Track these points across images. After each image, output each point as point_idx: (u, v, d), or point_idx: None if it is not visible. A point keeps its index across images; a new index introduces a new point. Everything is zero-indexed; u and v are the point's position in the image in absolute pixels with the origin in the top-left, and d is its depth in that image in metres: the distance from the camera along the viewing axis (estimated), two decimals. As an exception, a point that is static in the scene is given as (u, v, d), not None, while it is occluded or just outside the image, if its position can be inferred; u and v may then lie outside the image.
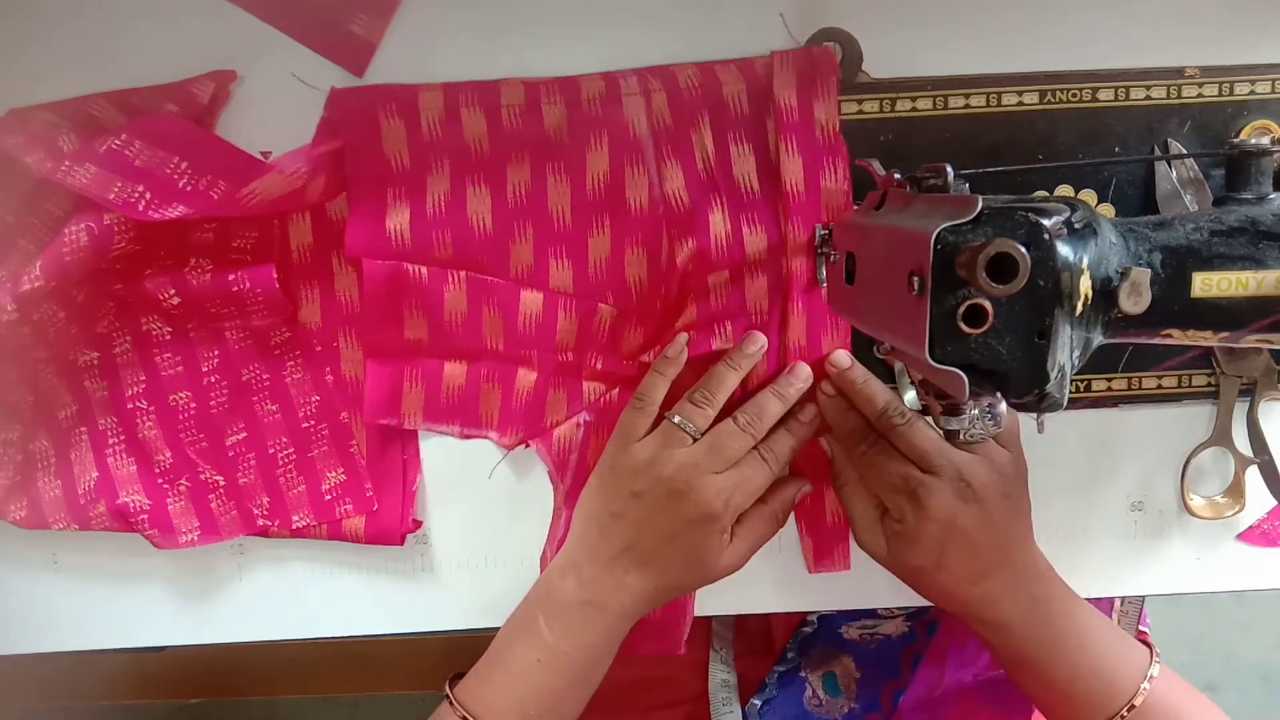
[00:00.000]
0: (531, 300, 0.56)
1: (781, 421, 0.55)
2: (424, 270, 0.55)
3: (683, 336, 0.56)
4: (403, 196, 0.55)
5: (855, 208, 0.55)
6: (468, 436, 0.58)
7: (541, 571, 0.59)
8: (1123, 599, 0.69)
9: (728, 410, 0.55)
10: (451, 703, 0.54)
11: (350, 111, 0.54)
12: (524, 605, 0.56)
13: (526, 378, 0.57)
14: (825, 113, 0.54)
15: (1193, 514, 0.59)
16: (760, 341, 0.55)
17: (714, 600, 0.61)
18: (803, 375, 0.56)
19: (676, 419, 0.54)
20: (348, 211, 0.55)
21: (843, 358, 0.55)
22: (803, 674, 0.68)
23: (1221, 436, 0.58)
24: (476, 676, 0.55)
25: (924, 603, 0.57)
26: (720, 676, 0.73)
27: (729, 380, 0.55)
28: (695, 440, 0.53)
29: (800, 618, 0.72)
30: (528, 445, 0.58)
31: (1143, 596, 0.69)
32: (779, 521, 0.57)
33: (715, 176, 0.55)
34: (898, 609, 0.70)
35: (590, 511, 0.55)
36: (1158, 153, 0.56)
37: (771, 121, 0.54)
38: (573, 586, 0.54)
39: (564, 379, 0.58)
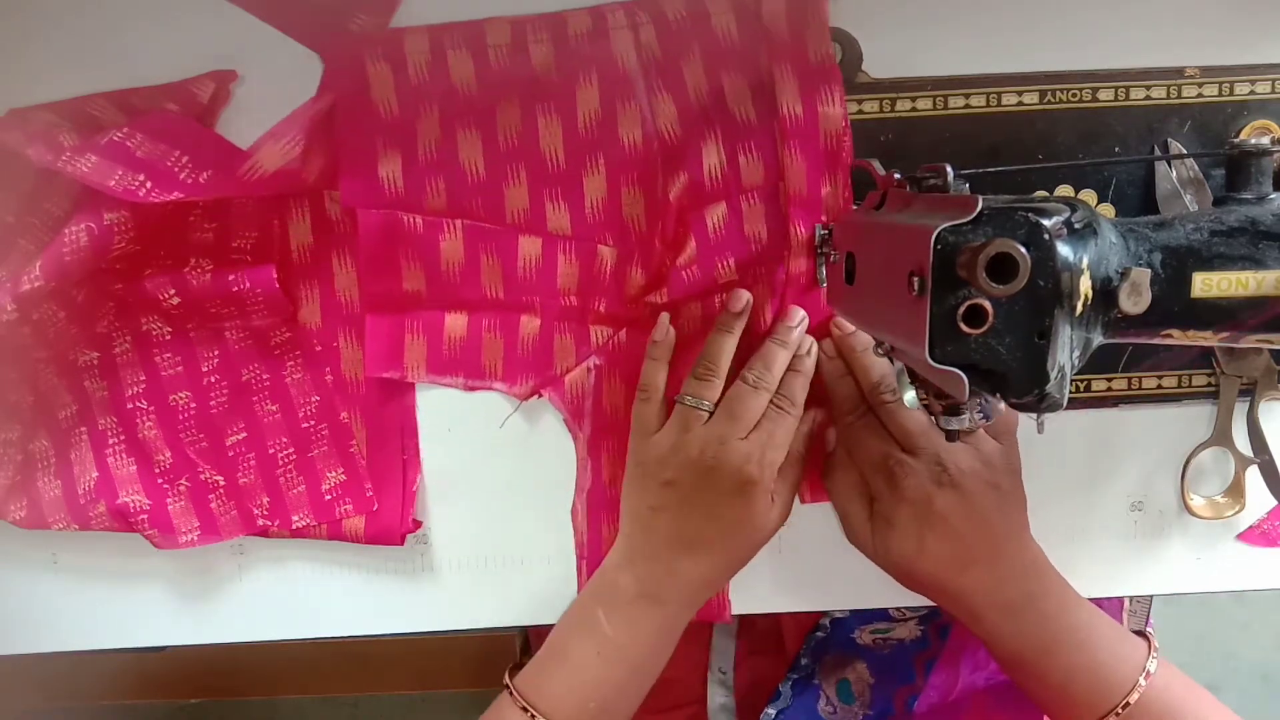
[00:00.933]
0: (530, 245, 0.55)
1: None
2: (419, 220, 0.54)
3: (664, 316, 0.56)
4: (393, 144, 0.54)
5: (855, 208, 0.55)
6: (473, 388, 0.58)
7: (573, 526, 0.59)
8: (1131, 599, 0.69)
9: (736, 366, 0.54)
10: (512, 693, 0.54)
11: (338, 61, 0.54)
12: (581, 600, 0.56)
13: (530, 325, 0.57)
14: (817, 39, 0.53)
15: (1193, 514, 0.59)
16: (745, 298, 0.55)
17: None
18: (798, 317, 0.55)
19: (688, 399, 0.54)
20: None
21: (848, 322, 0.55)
22: (816, 681, 0.68)
23: (1221, 436, 0.58)
24: (535, 668, 0.55)
25: (927, 602, 0.57)
26: (719, 700, 0.72)
27: (726, 345, 0.55)
28: (710, 414, 0.53)
29: (811, 619, 0.72)
30: (540, 395, 0.58)
31: (1150, 597, 0.69)
32: (804, 458, 0.57)
33: (709, 107, 0.54)
34: (909, 611, 0.70)
35: (631, 510, 0.56)
36: (1157, 153, 0.56)
37: (764, 50, 0.53)
38: (629, 580, 0.54)
39: (569, 324, 0.57)
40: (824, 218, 0.55)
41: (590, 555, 0.59)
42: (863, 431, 0.54)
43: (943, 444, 0.52)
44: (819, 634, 0.70)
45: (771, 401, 0.54)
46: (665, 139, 0.54)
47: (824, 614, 0.71)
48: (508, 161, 0.55)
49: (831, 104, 0.54)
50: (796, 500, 0.58)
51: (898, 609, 0.70)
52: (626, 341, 0.57)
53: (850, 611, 0.70)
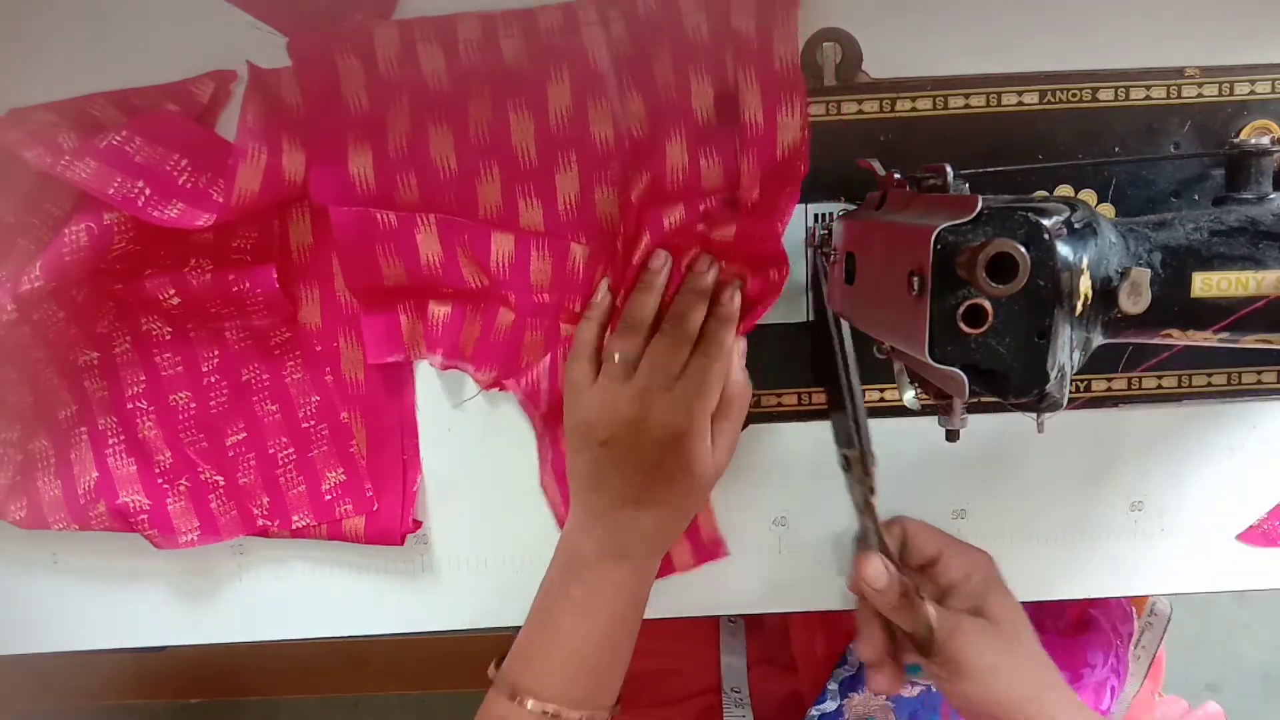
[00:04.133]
0: (503, 241, 0.55)
1: (711, 309, 0.55)
2: (392, 216, 0.54)
3: (605, 281, 0.56)
4: (364, 138, 0.54)
5: (855, 207, 0.55)
6: (448, 368, 0.58)
7: (547, 499, 0.60)
8: (1151, 609, 0.69)
9: None
10: (496, 683, 0.54)
11: (308, 55, 0.53)
12: (549, 575, 0.56)
13: (506, 316, 0.57)
14: (784, 44, 0.53)
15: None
16: (663, 256, 0.55)
17: (714, 601, 0.61)
18: (706, 263, 0.55)
19: (615, 356, 0.53)
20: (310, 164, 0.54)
21: (876, 574, 0.54)
22: (844, 718, 0.68)
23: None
24: (516, 652, 0.55)
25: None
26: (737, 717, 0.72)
27: (647, 300, 0.54)
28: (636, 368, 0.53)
29: (820, 637, 0.71)
30: (503, 388, 0.58)
31: (1169, 614, 0.69)
32: (746, 394, 0.55)
33: (675, 107, 0.54)
34: None
35: (576, 473, 0.55)
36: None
37: (730, 52, 0.53)
38: (589, 544, 0.54)
39: (541, 320, 0.57)
40: (780, 226, 0.55)
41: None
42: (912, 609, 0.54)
43: (954, 578, 0.56)
44: (846, 671, 0.70)
45: (698, 350, 0.53)
46: (634, 136, 0.54)
47: (848, 649, 0.71)
48: (480, 157, 0.55)
49: (792, 114, 0.54)
50: (794, 500, 0.58)
51: None
52: None
53: None
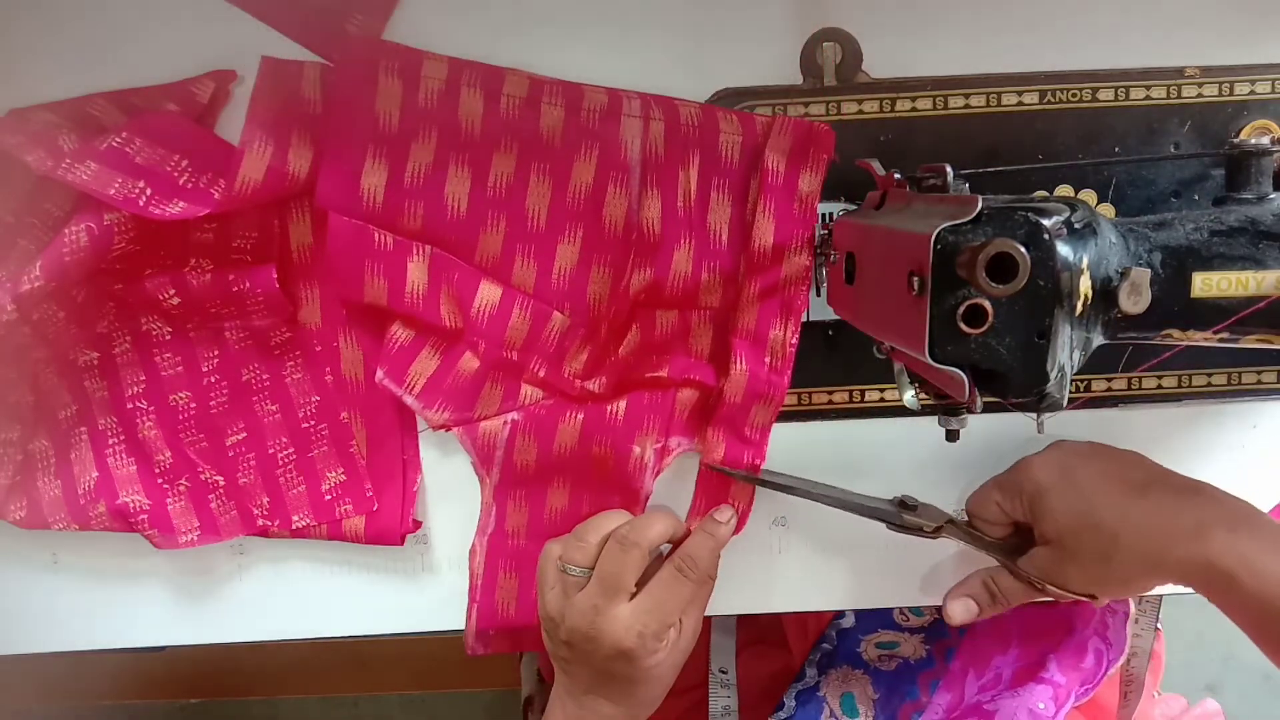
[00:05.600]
0: (489, 291, 0.55)
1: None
2: (389, 238, 0.54)
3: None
4: (383, 157, 0.54)
5: (855, 207, 0.55)
6: (385, 388, 0.57)
7: (470, 567, 0.60)
8: (1140, 598, 0.69)
9: None
10: None
11: (354, 57, 0.53)
12: None
13: (469, 362, 0.57)
14: (808, 186, 0.54)
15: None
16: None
17: (713, 601, 0.61)
18: (726, 514, 0.56)
19: (569, 568, 0.54)
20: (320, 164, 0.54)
21: (964, 612, 0.58)
22: (821, 693, 0.68)
23: None
24: None
25: (929, 603, 0.57)
26: (721, 702, 0.72)
27: (610, 518, 0.55)
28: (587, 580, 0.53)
29: (812, 615, 0.72)
30: (450, 429, 0.58)
31: (1159, 597, 0.69)
32: (701, 584, 0.55)
33: (691, 217, 0.55)
34: (912, 615, 0.70)
35: (552, 658, 0.56)
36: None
37: (756, 181, 0.54)
38: (562, 718, 0.56)
39: (504, 375, 0.57)
40: (766, 358, 0.56)
41: (483, 600, 0.60)
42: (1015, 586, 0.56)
43: (1028, 487, 0.55)
44: (825, 645, 0.70)
45: (674, 561, 0.54)
46: (643, 231, 0.55)
47: (830, 624, 0.71)
48: (491, 208, 0.55)
49: (799, 253, 0.55)
50: (795, 499, 0.58)
51: (902, 614, 0.70)
52: (550, 409, 0.58)
53: (856, 620, 0.70)
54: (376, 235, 0.54)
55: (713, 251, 0.55)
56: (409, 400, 0.57)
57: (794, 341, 0.56)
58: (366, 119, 0.54)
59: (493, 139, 0.54)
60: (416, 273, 0.55)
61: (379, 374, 0.57)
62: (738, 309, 0.56)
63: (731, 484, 0.58)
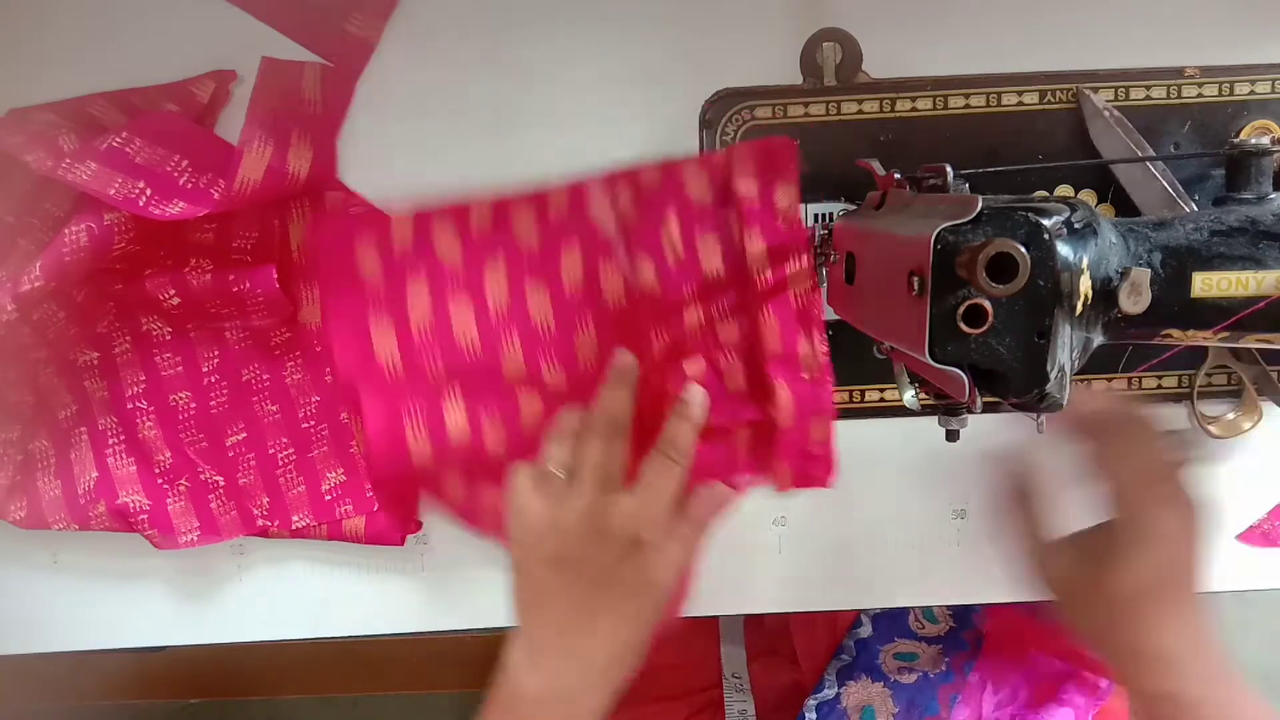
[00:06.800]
0: (530, 404, 0.55)
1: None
2: (420, 402, 0.54)
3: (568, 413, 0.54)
4: (386, 321, 0.54)
5: (855, 207, 0.55)
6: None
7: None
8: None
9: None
10: None
11: (325, 244, 0.54)
12: (489, 714, 0.51)
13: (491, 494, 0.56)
14: (786, 198, 0.53)
15: (1213, 437, 0.57)
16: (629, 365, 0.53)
17: (714, 601, 0.61)
18: (625, 361, 0.53)
19: (549, 466, 0.50)
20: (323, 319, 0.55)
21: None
22: (841, 705, 0.69)
23: (1220, 354, 0.57)
24: None
25: (932, 601, 0.57)
26: (738, 707, 0.72)
27: (574, 414, 0.52)
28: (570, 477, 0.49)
29: (821, 625, 0.72)
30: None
31: None
32: (705, 523, 0.52)
33: (685, 267, 0.54)
34: (927, 622, 0.70)
35: (522, 604, 0.51)
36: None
37: (734, 212, 0.53)
38: (532, 682, 0.50)
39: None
40: (804, 374, 0.54)
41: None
42: (1140, 440, 0.49)
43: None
44: (844, 656, 0.70)
45: (659, 451, 0.50)
46: (647, 296, 0.54)
47: (848, 633, 0.71)
48: (500, 328, 0.55)
49: (799, 262, 0.53)
50: (795, 499, 0.58)
51: (918, 622, 0.70)
52: None
53: (874, 630, 0.70)
54: (409, 404, 0.54)
55: (716, 292, 0.54)
56: (489, 536, 0.56)
57: (825, 350, 0.54)
58: (357, 291, 0.54)
59: (477, 264, 0.54)
60: (455, 415, 0.55)
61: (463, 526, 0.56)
62: (759, 337, 0.54)
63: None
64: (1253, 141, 0.47)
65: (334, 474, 0.59)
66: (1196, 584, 0.48)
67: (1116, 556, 0.48)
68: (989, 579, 0.60)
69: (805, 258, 0.54)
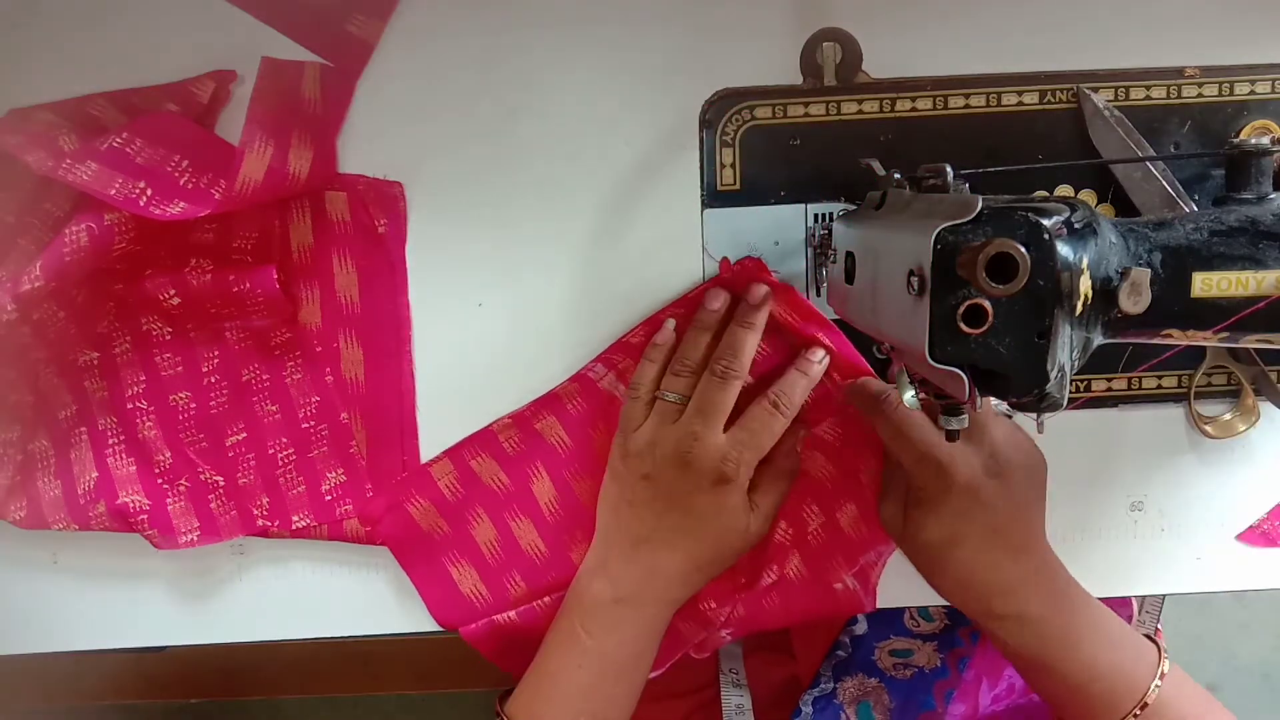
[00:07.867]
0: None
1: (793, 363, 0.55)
2: (512, 614, 0.58)
3: (670, 322, 0.56)
4: (460, 559, 0.59)
5: (855, 207, 0.55)
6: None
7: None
8: (1143, 599, 0.69)
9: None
10: (500, 717, 0.55)
11: (381, 513, 0.59)
12: (560, 613, 0.56)
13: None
14: (782, 303, 0.55)
15: (1210, 437, 0.58)
16: (721, 296, 0.55)
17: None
18: (761, 294, 0.54)
19: (666, 395, 0.54)
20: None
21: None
22: (838, 700, 0.69)
23: (1219, 354, 0.57)
24: (523, 690, 0.56)
25: (935, 602, 0.57)
26: (735, 701, 0.72)
27: (702, 340, 0.54)
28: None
29: (820, 626, 0.72)
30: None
31: (1162, 598, 0.69)
32: (793, 474, 0.56)
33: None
34: (923, 621, 0.70)
35: (608, 504, 0.56)
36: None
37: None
38: (603, 586, 0.54)
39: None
40: (824, 337, 0.56)
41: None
42: (911, 418, 0.52)
43: (996, 436, 0.52)
44: (839, 652, 0.70)
45: (768, 398, 0.53)
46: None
47: (843, 629, 0.71)
48: (564, 530, 0.59)
49: (829, 339, 0.55)
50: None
51: (913, 619, 0.70)
52: (757, 612, 0.59)
53: (869, 627, 0.70)
54: (502, 619, 0.58)
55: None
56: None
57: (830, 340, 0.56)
58: (427, 539, 0.59)
59: (523, 480, 0.59)
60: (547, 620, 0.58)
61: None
62: (805, 423, 0.57)
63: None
64: (1253, 141, 0.47)
65: (334, 474, 0.59)
66: (1012, 518, 0.52)
67: (914, 519, 0.53)
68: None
69: (827, 337, 0.55)
